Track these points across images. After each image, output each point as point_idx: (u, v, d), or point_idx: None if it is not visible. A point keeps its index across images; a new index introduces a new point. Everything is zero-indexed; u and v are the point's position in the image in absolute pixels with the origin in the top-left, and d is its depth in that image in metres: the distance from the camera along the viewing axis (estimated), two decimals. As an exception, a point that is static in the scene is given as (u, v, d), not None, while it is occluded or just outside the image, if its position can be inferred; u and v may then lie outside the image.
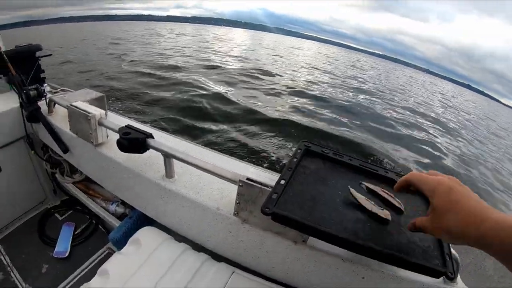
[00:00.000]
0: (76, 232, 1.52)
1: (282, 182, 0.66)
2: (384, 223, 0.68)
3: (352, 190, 0.70)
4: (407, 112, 10.71)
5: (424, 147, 7.04)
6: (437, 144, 7.64)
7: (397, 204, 0.72)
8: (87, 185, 1.56)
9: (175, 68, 10.03)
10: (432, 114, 11.92)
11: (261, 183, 0.72)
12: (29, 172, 1.54)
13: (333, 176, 0.76)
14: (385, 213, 0.68)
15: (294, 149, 0.81)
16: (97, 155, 1.09)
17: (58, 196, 1.69)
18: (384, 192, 0.74)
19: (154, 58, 11.87)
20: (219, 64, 11.63)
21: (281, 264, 0.84)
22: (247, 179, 0.73)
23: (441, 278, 0.80)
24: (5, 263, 1.34)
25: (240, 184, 0.74)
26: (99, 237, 1.52)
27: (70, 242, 1.45)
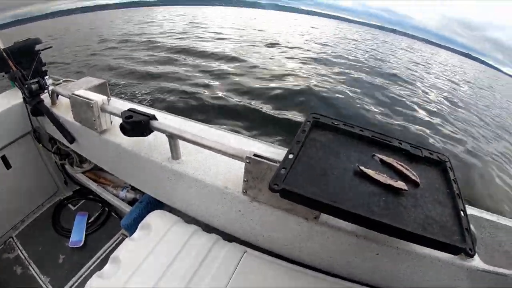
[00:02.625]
0: (89, 221, 1.54)
1: (291, 156, 0.63)
2: (400, 195, 0.64)
3: (361, 167, 0.67)
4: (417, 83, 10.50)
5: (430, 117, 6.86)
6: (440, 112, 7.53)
7: (412, 177, 0.68)
8: (97, 173, 1.57)
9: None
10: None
11: (269, 159, 0.69)
12: (39, 166, 1.56)
13: (345, 149, 0.72)
14: (400, 184, 0.64)
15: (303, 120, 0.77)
16: (102, 142, 1.08)
17: (69, 187, 1.72)
18: (399, 164, 0.71)
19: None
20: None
21: (292, 242, 0.83)
22: (254, 155, 0.71)
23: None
24: (23, 257, 1.38)
25: (247, 160, 0.71)
26: (112, 224, 1.54)
27: (84, 231, 1.48)
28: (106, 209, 1.60)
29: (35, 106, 1.22)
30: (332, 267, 0.85)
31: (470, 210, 0.98)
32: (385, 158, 0.71)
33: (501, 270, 0.77)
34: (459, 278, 0.77)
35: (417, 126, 5.76)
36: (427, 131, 5.60)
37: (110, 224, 1.54)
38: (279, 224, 0.80)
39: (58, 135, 1.28)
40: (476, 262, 0.76)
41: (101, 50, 9.76)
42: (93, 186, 1.53)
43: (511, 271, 0.78)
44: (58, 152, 1.54)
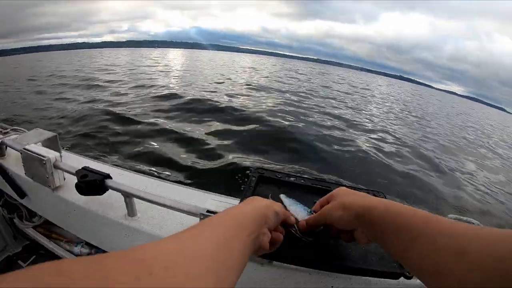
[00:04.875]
0: (41, 279, 1.43)
1: None
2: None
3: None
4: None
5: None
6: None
7: None
8: (49, 228, 1.48)
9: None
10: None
11: None
12: None
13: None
14: None
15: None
16: (56, 199, 1.05)
17: (19, 242, 1.59)
18: None
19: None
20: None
21: (252, 287, 0.87)
22: (207, 211, 0.75)
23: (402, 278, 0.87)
24: None
25: (201, 217, 0.76)
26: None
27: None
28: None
29: None
30: None
31: None
32: None
33: None
34: None
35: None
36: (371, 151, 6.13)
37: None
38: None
39: (6, 188, 1.21)
40: (417, 282, 0.85)
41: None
42: (44, 241, 1.44)
43: None
44: (5, 205, 1.44)
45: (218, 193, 0.96)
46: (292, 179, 0.85)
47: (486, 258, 0.30)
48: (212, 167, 4.05)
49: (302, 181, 0.85)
